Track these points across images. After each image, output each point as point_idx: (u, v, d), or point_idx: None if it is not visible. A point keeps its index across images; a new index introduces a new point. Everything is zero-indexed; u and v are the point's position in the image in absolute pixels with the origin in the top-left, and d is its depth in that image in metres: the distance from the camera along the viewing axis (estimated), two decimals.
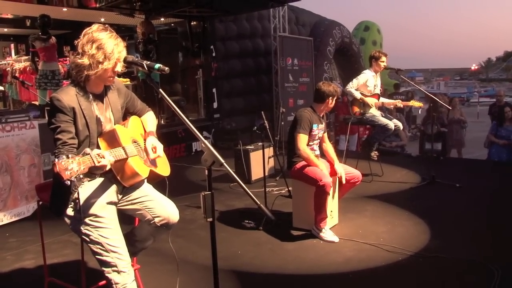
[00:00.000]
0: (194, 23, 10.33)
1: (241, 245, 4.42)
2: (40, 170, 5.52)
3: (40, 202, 3.15)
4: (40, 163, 5.51)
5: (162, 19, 10.48)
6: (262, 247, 4.40)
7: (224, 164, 2.13)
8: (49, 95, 7.76)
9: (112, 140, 2.59)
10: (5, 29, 11.89)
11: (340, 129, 10.53)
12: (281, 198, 5.77)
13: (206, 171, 2.26)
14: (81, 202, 2.52)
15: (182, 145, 9.30)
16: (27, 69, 9.60)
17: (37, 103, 8.67)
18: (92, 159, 2.18)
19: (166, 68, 2.28)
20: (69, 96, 2.48)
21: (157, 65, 2.33)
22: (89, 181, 2.58)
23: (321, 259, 4.11)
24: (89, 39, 2.49)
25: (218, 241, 4.40)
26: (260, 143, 7.08)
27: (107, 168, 2.30)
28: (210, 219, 2.24)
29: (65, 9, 9.27)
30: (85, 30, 2.52)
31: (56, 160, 2.06)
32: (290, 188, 5.76)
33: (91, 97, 2.59)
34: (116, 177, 2.61)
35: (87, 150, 2.22)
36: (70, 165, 2.06)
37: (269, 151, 6.99)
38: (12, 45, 12.29)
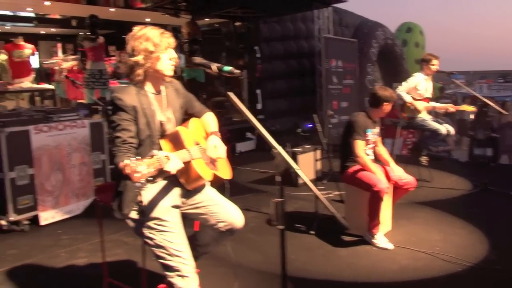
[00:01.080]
0: (239, 23, 10.31)
1: (293, 250, 4.35)
2: (90, 169, 5.59)
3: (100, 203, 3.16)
4: (90, 162, 5.58)
5: (207, 19, 10.52)
6: (315, 252, 4.33)
7: (298, 170, 2.06)
8: (96, 94, 7.98)
9: (176, 142, 2.57)
10: (53, 29, 12.16)
11: (386, 133, 10.21)
12: (331, 203, 5.66)
13: (279, 178, 2.16)
14: (145, 205, 2.50)
15: (226, 146, 9.08)
16: (74, 68, 9.71)
17: (84, 101, 8.79)
18: (160, 162, 2.16)
19: (237, 71, 2.26)
20: (130, 95, 2.50)
21: (227, 68, 2.30)
22: (152, 183, 2.57)
23: (376, 266, 4.00)
24: (135, 38, 2.53)
25: (270, 245, 4.48)
26: (307, 146, 7.05)
27: (174, 172, 2.28)
28: (281, 227, 2.16)
29: (112, 9, 9.38)
30: (128, 35, 2.57)
31: (126, 161, 2.05)
32: (341, 192, 5.66)
33: (151, 96, 2.60)
34: (180, 180, 2.58)
35: (155, 151, 2.21)
36: (139, 167, 2.04)
37: (317, 154, 6.92)
38: (59, 45, 12.53)
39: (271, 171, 7.40)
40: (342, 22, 13.64)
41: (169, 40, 2.57)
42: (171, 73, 2.63)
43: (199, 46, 9.27)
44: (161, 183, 2.59)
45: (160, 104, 2.63)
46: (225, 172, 2.89)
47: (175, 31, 11.05)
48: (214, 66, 2.34)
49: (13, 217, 4.93)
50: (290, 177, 6.58)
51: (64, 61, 10.06)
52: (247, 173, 7.52)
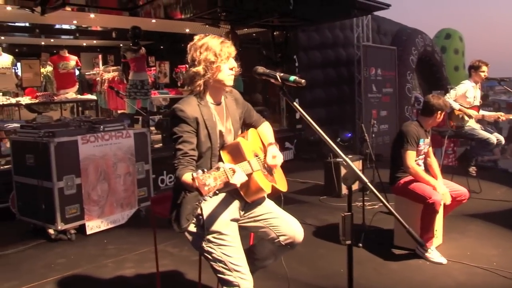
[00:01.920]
0: (277, 33, 10.30)
1: (342, 263, 4.21)
2: (135, 179, 5.59)
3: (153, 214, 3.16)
4: (134, 172, 5.58)
5: (246, 29, 10.51)
6: (365, 265, 4.19)
7: (368, 184, 1.98)
8: (138, 104, 8.05)
9: (237, 154, 2.54)
10: (94, 41, 12.34)
11: (432, 142, 10.02)
12: (379, 214, 5.50)
13: (347, 191, 2.08)
14: (205, 218, 2.46)
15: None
16: (115, 79, 9.85)
17: (125, 111, 8.86)
18: (227, 174, 2.13)
19: (303, 81, 2.19)
20: (191, 106, 2.45)
21: (292, 77, 2.22)
22: (211, 197, 2.52)
23: (431, 281, 3.84)
24: (196, 48, 2.49)
25: (317, 258, 4.38)
26: (350, 156, 6.90)
27: (239, 184, 2.23)
28: (348, 242, 2.05)
29: (153, 21, 9.44)
30: (189, 45, 2.54)
31: (195, 174, 2.02)
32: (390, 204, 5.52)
33: (212, 107, 2.56)
34: (240, 192, 2.54)
35: (220, 164, 2.17)
36: (208, 180, 2.02)
37: (360, 164, 6.76)
38: (100, 56, 12.74)
39: (311, 181, 7.30)
40: (380, 29, 13.50)
41: (230, 49, 2.54)
42: (232, 83, 2.60)
43: (237, 55, 9.29)
44: (220, 195, 2.56)
45: (220, 115, 2.61)
46: (282, 184, 2.84)
47: None
48: (279, 76, 2.27)
49: (61, 226, 4.98)
50: (333, 188, 6.48)
51: (105, 72, 10.23)
52: (289, 183, 7.37)
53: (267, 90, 11.09)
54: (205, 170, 2.07)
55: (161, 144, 7.67)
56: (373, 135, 8.96)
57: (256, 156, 2.67)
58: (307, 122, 2.14)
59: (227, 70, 2.54)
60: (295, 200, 6.43)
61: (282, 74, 2.28)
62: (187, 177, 2.22)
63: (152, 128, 8.63)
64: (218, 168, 2.13)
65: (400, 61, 12.89)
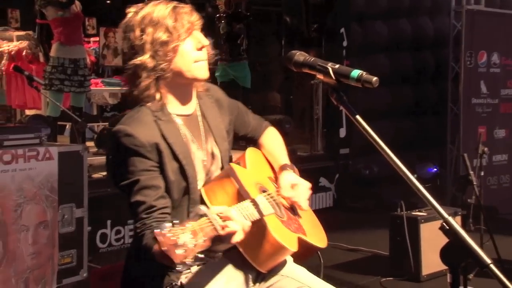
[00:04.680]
0: None
1: None
2: (55, 234, 4.38)
3: None
4: (55, 222, 4.38)
5: None
6: None
7: (493, 268, 1.42)
8: (66, 100, 6.53)
9: (230, 190, 1.98)
10: None
11: None
12: None
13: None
14: None
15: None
16: (23, 53, 7.55)
17: (42, 112, 6.95)
18: (214, 223, 1.62)
19: (374, 79, 1.63)
20: (146, 126, 1.94)
21: (356, 72, 1.64)
22: (198, 265, 2.01)
23: None
24: (133, 26, 1.96)
25: None
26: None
27: (239, 239, 1.71)
28: None
29: None
30: (121, 26, 2.01)
31: (157, 230, 1.55)
32: None
33: (178, 121, 2.04)
34: (245, 255, 1.95)
35: (202, 208, 1.68)
36: (182, 237, 1.53)
37: (457, 222, 4.37)
38: None
39: (366, 248, 5.88)
40: None
41: (190, 17, 1.97)
42: (205, 74, 2.03)
43: (243, 25, 7.66)
44: (212, 265, 2.01)
45: (195, 131, 2.08)
46: (317, 234, 2.21)
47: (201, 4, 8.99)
48: (332, 70, 1.70)
49: None
50: (405, 263, 5.07)
51: (4, 41, 8.03)
52: (325, 250, 5.72)
53: (292, 87, 9.10)
54: (176, 221, 1.61)
55: (104, 173, 6.00)
56: (482, 173, 6.31)
57: (264, 191, 2.10)
58: (381, 151, 1.68)
59: (193, 52, 1.97)
60: (337, 280, 5.14)
61: (337, 66, 1.72)
62: (154, 244, 1.69)
63: (90, 144, 6.53)
64: (199, 215, 1.65)
65: None
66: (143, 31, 1.94)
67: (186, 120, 2.07)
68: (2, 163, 4.04)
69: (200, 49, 1.98)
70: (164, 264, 1.66)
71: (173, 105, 2.03)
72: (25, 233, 4.20)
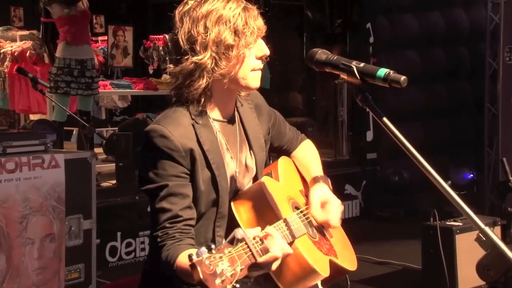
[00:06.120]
0: None
1: None
2: (62, 247, 4.43)
3: None
4: (62, 234, 4.44)
5: None
6: None
7: None
8: (72, 104, 6.62)
9: (262, 207, 1.93)
10: None
11: None
12: None
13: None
14: None
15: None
16: (27, 54, 7.53)
17: (47, 117, 7.01)
18: (253, 250, 1.58)
19: (402, 78, 1.61)
20: (182, 128, 1.88)
21: (383, 71, 1.63)
22: None
23: None
24: (196, 18, 1.85)
25: None
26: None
27: (275, 267, 1.68)
28: None
29: None
30: (179, 11, 1.89)
31: (195, 257, 1.50)
32: None
33: (216, 127, 1.98)
34: (276, 281, 1.90)
35: (239, 232, 1.59)
36: (220, 266, 1.50)
37: (496, 233, 4.97)
38: None
39: (396, 262, 5.80)
40: None
41: (258, 22, 1.89)
42: (259, 83, 2.00)
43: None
44: None
45: (231, 140, 2.03)
46: (347, 257, 2.17)
47: None
48: (356, 68, 1.69)
49: None
50: (440, 277, 4.92)
51: (7, 41, 7.92)
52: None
53: (314, 87, 9.15)
54: (213, 246, 1.52)
55: (114, 181, 6.01)
56: None
57: (296, 207, 2.09)
58: (410, 156, 1.65)
59: (252, 60, 1.92)
60: None
61: (363, 65, 1.70)
62: (183, 260, 1.66)
63: (99, 151, 6.67)
64: (237, 240, 1.59)
65: None
66: (207, 27, 1.87)
67: (223, 126, 2.02)
68: (5, 171, 4.02)
69: (260, 58, 1.94)
70: (185, 281, 1.67)
71: (212, 108, 2.00)
72: (31, 247, 4.18)
